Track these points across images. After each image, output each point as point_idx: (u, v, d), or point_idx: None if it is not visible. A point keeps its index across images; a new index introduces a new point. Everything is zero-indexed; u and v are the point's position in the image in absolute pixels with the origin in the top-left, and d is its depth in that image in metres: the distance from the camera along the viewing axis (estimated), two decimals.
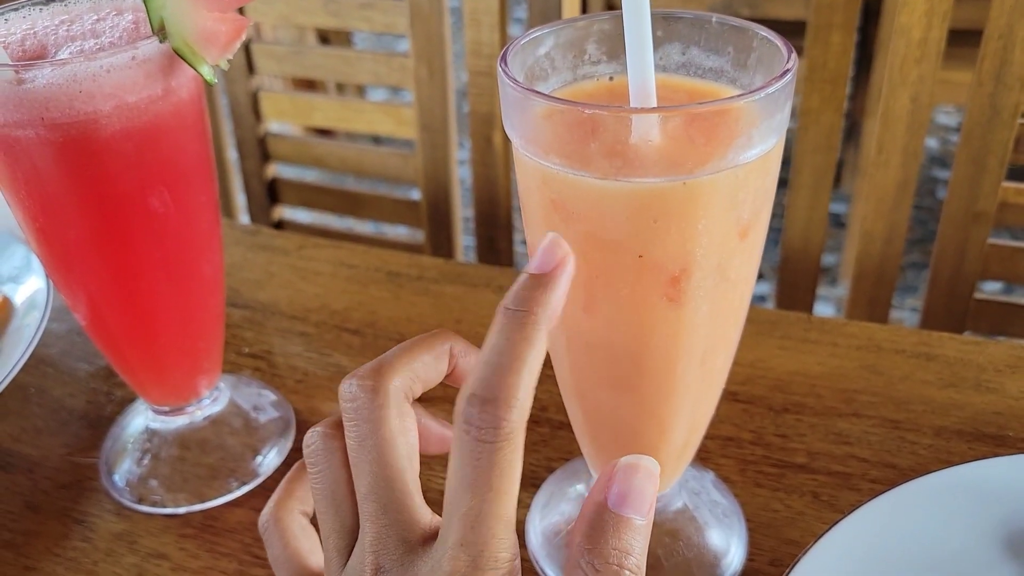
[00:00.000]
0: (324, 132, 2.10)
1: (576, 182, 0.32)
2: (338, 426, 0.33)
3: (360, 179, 1.82)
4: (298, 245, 0.72)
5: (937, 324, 0.86)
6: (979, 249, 0.82)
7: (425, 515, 0.30)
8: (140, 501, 0.49)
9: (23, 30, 0.42)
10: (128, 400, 0.57)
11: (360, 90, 2.34)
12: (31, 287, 0.61)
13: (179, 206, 0.43)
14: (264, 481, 0.51)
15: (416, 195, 1.05)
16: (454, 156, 1.03)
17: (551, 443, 0.53)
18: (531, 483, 0.50)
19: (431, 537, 0.29)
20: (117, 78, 0.38)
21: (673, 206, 0.31)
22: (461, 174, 1.50)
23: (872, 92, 1.70)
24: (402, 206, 1.09)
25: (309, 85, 2.22)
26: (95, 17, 0.43)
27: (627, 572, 0.27)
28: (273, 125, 1.10)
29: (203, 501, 0.49)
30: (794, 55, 0.32)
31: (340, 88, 2.21)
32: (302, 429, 0.54)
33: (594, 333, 0.36)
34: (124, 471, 0.51)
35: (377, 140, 1.98)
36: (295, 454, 0.53)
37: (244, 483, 0.50)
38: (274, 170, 1.12)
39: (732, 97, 0.30)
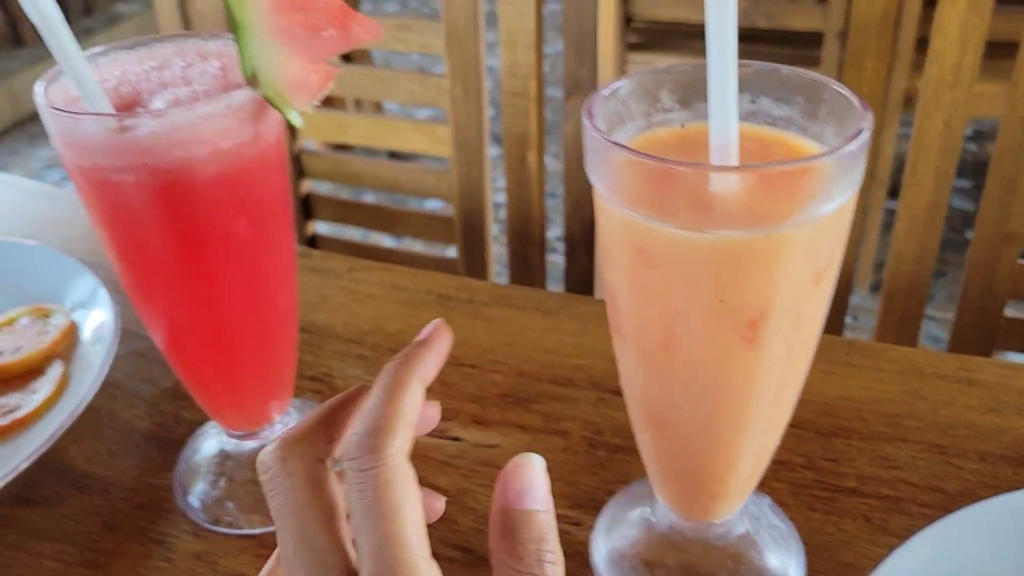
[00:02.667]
0: (344, 148, 2.12)
1: (660, 232, 0.34)
2: (292, 446, 0.32)
3: (390, 194, 1.83)
4: (348, 267, 0.74)
5: (966, 342, 0.87)
6: (1010, 269, 0.83)
7: (349, 562, 0.30)
8: (216, 522, 0.51)
9: (116, 76, 0.44)
10: (195, 422, 0.59)
11: (377, 107, 2.36)
12: (99, 315, 0.63)
13: (261, 241, 0.45)
14: None
15: (444, 210, 1.07)
16: (488, 174, 1.05)
17: (608, 466, 0.54)
18: (592, 505, 0.52)
19: None
20: (213, 125, 0.40)
21: (755, 256, 0.33)
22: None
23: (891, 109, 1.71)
24: (435, 222, 1.11)
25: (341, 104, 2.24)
26: (183, 63, 0.45)
27: (547, 555, 0.29)
28: (307, 143, 1.12)
29: (264, 526, 0.51)
30: (870, 112, 0.34)
31: (359, 104, 2.22)
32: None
33: (671, 370, 0.38)
34: (199, 492, 0.53)
35: (394, 155, 1.99)
36: None
37: None
38: (308, 186, 1.14)
39: (815, 156, 0.32)
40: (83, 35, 3.40)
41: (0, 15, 3.20)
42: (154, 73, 0.44)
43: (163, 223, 0.42)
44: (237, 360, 0.48)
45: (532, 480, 0.31)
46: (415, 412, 0.32)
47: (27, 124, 3.13)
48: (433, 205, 2.28)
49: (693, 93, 0.40)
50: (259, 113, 0.42)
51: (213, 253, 0.44)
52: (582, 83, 0.94)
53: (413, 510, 0.29)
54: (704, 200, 0.33)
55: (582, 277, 1.06)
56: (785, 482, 0.52)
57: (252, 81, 0.41)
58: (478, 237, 1.07)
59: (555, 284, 1.80)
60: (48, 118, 0.41)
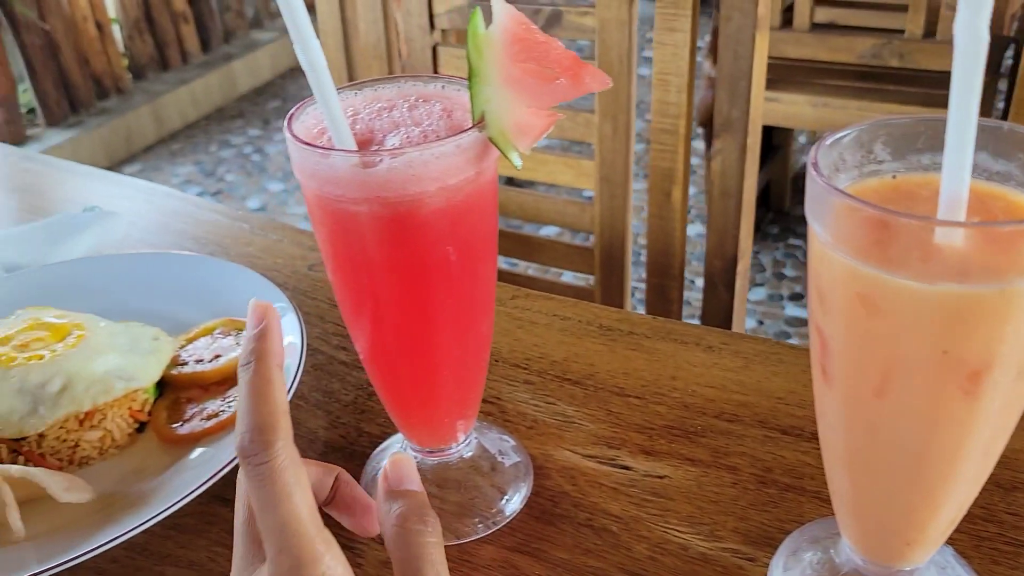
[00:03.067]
0: None
1: (888, 282, 0.35)
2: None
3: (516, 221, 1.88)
4: (511, 295, 0.77)
5: None
6: None
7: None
8: None
9: (348, 115, 0.48)
10: (376, 436, 0.62)
11: None
12: (286, 330, 0.67)
13: (471, 270, 0.48)
14: (510, 522, 0.55)
15: (584, 241, 1.10)
16: (630, 207, 1.07)
17: (780, 505, 0.55)
18: (764, 542, 0.53)
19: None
20: (443, 164, 0.43)
21: (984, 310, 0.34)
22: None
23: None
24: (575, 252, 1.14)
25: None
26: (407, 104, 0.49)
27: (429, 518, 0.37)
28: None
29: (458, 538, 0.54)
30: None
31: None
32: (538, 475, 0.58)
33: (882, 417, 0.38)
34: None
35: (510, 181, 2.04)
36: (535, 499, 0.57)
37: (493, 523, 0.55)
38: None
39: None
40: (223, 60, 3.60)
41: (150, 41, 3.42)
42: (384, 113, 0.48)
43: (389, 250, 0.45)
44: (437, 380, 0.51)
45: (407, 471, 0.39)
46: (285, 399, 0.36)
47: (169, 142, 3.33)
48: (549, 231, 2.31)
49: (906, 145, 0.41)
50: (483, 153, 0.45)
51: (429, 279, 0.47)
52: (733, 123, 0.95)
53: (305, 490, 0.34)
54: (935, 252, 0.34)
55: (720, 313, 1.07)
56: (966, 533, 0.52)
57: (480, 123, 0.44)
58: (617, 268, 1.09)
59: (689, 319, 1.81)
60: (295, 151, 0.45)
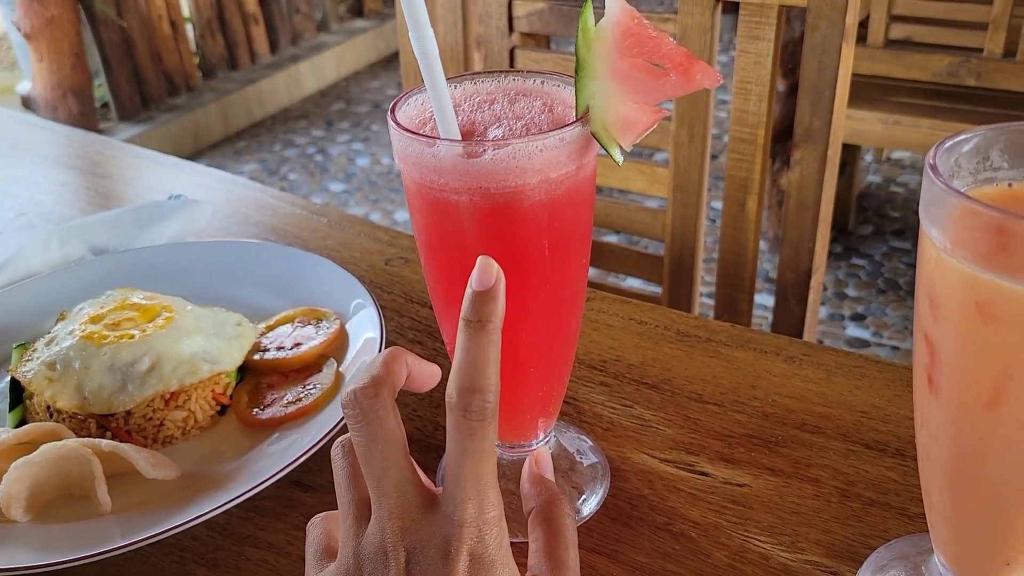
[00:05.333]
0: None
1: (1008, 290, 0.34)
2: (377, 392, 0.39)
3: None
4: (587, 297, 0.76)
5: None
6: None
7: (426, 487, 0.39)
8: None
9: None
10: None
11: None
12: (365, 322, 0.68)
13: (565, 264, 0.48)
14: (587, 521, 0.55)
15: (650, 249, 1.09)
16: (703, 216, 1.06)
17: (864, 520, 0.54)
18: (848, 556, 0.51)
19: (435, 501, 0.38)
20: (546, 156, 0.43)
21: None
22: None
23: None
24: (644, 259, 1.13)
25: None
26: (507, 98, 0.49)
27: (567, 503, 0.43)
28: None
29: None
30: None
31: None
32: (615, 476, 0.58)
33: (993, 431, 0.37)
34: None
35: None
36: (612, 500, 0.56)
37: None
38: None
39: None
40: (289, 61, 3.66)
41: (221, 40, 3.49)
42: (486, 106, 0.48)
43: (486, 240, 0.46)
44: (524, 375, 0.51)
45: (549, 464, 0.46)
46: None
47: (235, 140, 3.40)
48: (609, 237, 2.30)
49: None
50: (585, 148, 0.45)
51: (524, 271, 0.47)
52: (814, 134, 0.94)
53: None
54: None
55: (791, 326, 1.05)
56: None
57: (584, 117, 0.44)
58: (686, 277, 1.08)
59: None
60: (399, 140, 0.45)
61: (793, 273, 1.02)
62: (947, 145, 0.38)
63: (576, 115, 0.44)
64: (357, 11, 4.09)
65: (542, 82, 0.50)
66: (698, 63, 0.41)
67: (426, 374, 0.42)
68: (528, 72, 0.50)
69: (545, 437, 0.56)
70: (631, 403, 0.64)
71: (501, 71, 0.51)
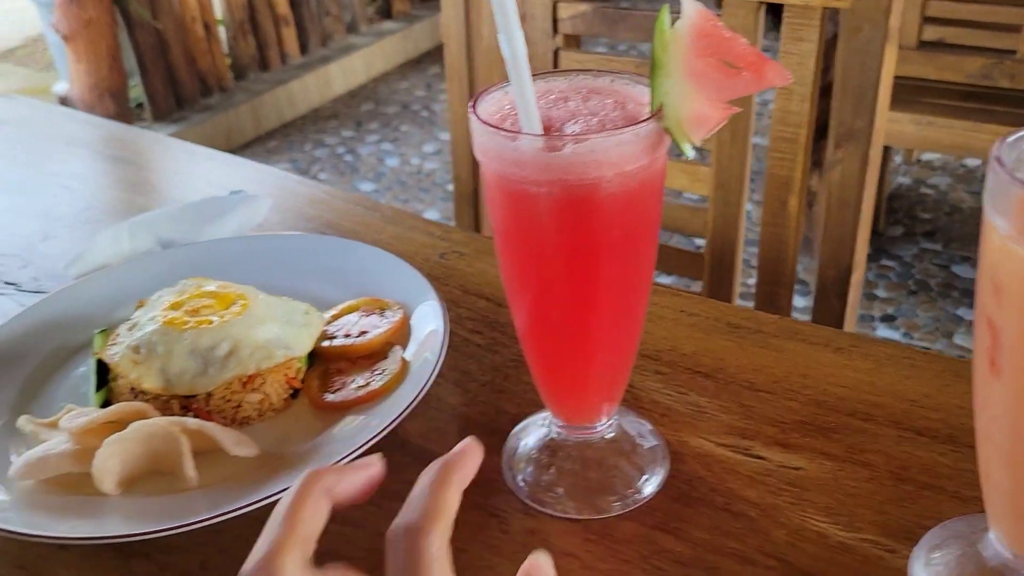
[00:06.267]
0: None
1: None
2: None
3: None
4: None
5: None
6: None
7: None
8: (544, 505, 0.57)
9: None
10: (515, 415, 0.65)
11: None
12: (427, 312, 0.71)
13: (636, 254, 0.51)
14: (649, 502, 0.57)
15: (683, 245, 1.11)
16: (743, 214, 1.08)
17: (918, 502, 0.56)
18: (903, 535, 0.54)
19: None
20: (622, 150, 0.46)
21: None
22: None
23: None
24: (684, 256, 1.15)
25: None
26: (580, 96, 0.51)
27: None
28: None
29: (599, 513, 0.56)
30: None
31: None
32: (675, 459, 0.60)
33: None
34: (529, 476, 0.59)
35: None
36: (672, 481, 0.59)
37: (633, 501, 0.57)
38: None
39: None
40: (319, 63, 3.71)
41: (252, 42, 3.54)
42: (561, 103, 0.50)
43: (563, 230, 0.48)
44: (591, 359, 0.54)
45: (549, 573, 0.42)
46: (455, 510, 0.40)
47: (266, 140, 3.45)
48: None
49: None
50: (658, 142, 0.47)
51: (598, 259, 0.49)
52: (856, 134, 0.96)
53: None
54: None
55: (831, 322, 1.07)
56: None
57: (658, 113, 0.46)
58: (727, 274, 1.10)
59: None
60: (481, 134, 0.48)
61: (834, 270, 1.04)
62: (1010, 140, 0.41)
63: (650, 111, 0.47)
64: (386, 13, 4.13)
65: (612, 80, 0.52)
66: (770, 62, 0.43)
67: (361, 481, 0.42)
68: (599, 72, 0.53)
69: (608, 420, 0.59)
70: (686, 391, 0.67)
71: (571, 71, 0.53)
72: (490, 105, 0.51)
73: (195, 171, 1.06)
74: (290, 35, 3.68)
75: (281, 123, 3.54)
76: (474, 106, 0.49)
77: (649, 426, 0.62)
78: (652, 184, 0.49)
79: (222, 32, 3.47)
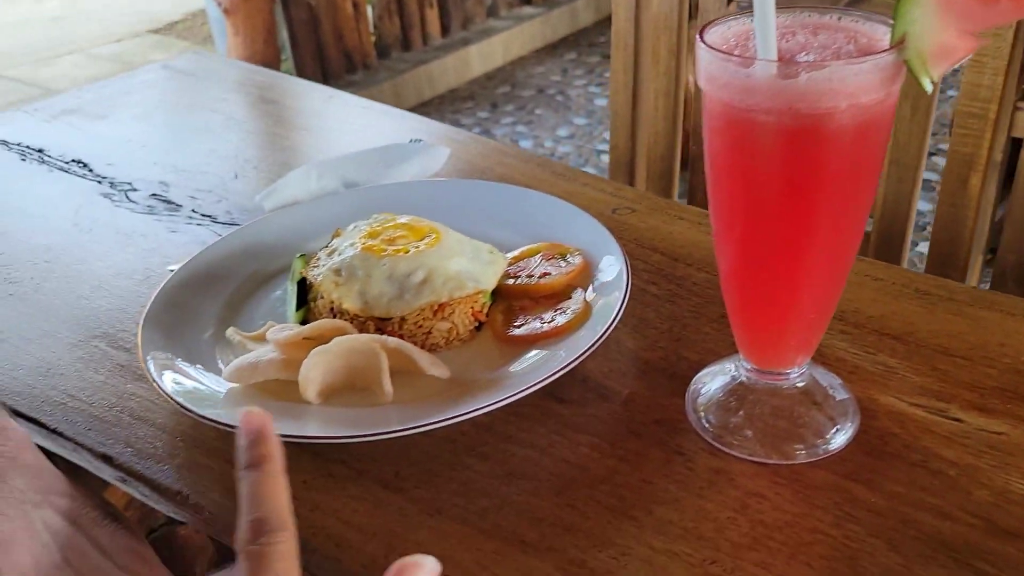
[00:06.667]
0: None
1: None
2: None
3: None
4: None
5: None
6: None
7: None
8: (730, 447, 0.57)
9: (740, 34, 0.51)
10: (695, 362, 0.65)
11: None
12: (608, 259, 0.72)
13: (855, 193, 0.50)
14: (840, 452, 0.56)
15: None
16: (918, 193, 1.04)
17: None
18: None
19: None
20: (859, 80, 0.45)
21: None
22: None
23: None
24: None
25: None
26: (807, 31, 0.51)
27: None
28: None
29: (788, 459, 0.56)
30: None
31: None
32: (865, 415, 0.59)
33: None
34: (716, 418, 0.59)
35: None
36: (863, 435, 0.58)
37: (823, 450, 0.56)
38: None
39: None
40: (460, 44, 3.78)
41: (397, 22, 3.64)
42: (789, 36, 0.50)
43: (787, 161, 0.48)
44: (796, 302, 0.53)
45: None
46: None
47: None
48: None
49: None
50: (895, 75, 0.46)
51: (816, 194, 0.49)
52: None
53: None
54: None
55: None
56: None
57: (898, 44, 0.46)
58: (894, 253, 1.06)
59: None
60: (710, 61, 0.48)
61: (1014, 255, 0.99)
62: None
63: (891, 43, 0.46)
64: None
65: (839, 18, 0.52)
66: None
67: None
68: (824, 8, 0.52)
69: (800, 370, 0.58)
70: (874, 351, 0.65)
71: (795, 7, 0.53)
72: (715, 36, 0.51)
73: (371, 125, 1.11)
74: (433, 17, 3.76)
75: (419, 102, 3.63)
76: (701, 33, 0.50)
77: (839, 380, 0.61)
78: (882, 120, 0.48)
79: (369, 11, 3.57)
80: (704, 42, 0.49)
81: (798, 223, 0.50)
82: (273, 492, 0.41)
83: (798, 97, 0.46)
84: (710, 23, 0.51)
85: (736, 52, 0.49)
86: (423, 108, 3.60)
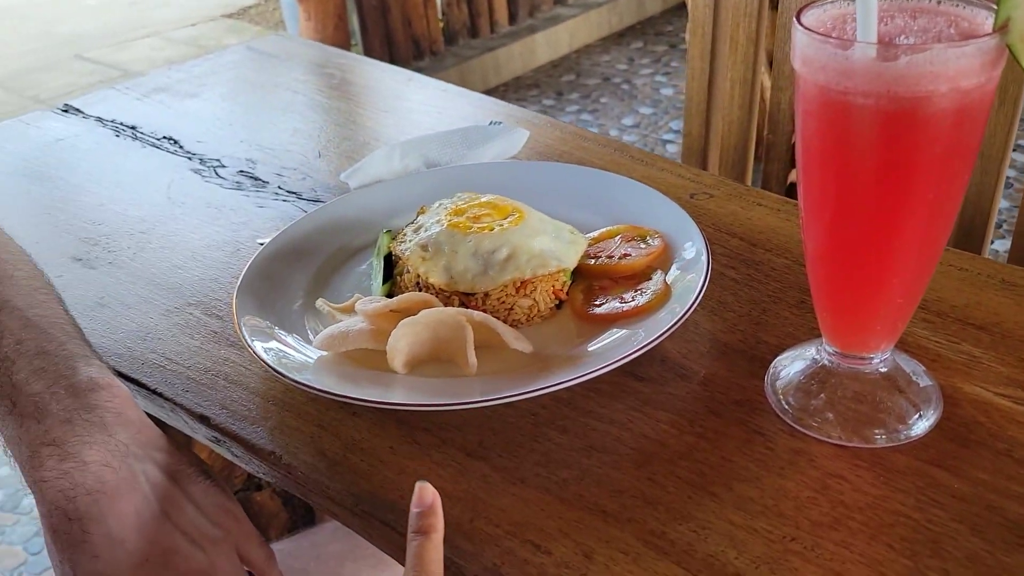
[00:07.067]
0: None
1: None
2: None
3: None
4: None
5: None
6: None
7: None
8: (811, 428, 0.57)
9: (850, 21, 0.51)
10: (775, 345, 0.65)
11: None
12: (688, 242, 0.72)
13: (950, 180, 0.50)
14: (923, 437, 0.56)
15: None
16: (1002, 184, 1.02)
17: None
18: None
19: None
20: (960, 64, 0.45)
21: None
22: None
23: None
24: None
25: None
26: (906, 15, 0.51)
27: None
28: None
29: (868, 443, 0.56)
30: None
31: None
32: (948, 403, 0.59)
33: None
34: (797, 400, 0.59)
35: None
36: (946, 422, 0.58)
37: (905, 436, 0.56)
38: None
39: None
40: (526, 32, 3.78)
41: (465, 10, 3.66)
42: (888, 19, 0.50)
43: (882, 145, 0.48)
44: (885, 287, 0.54)
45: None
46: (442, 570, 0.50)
47: None
48: None
49: None
50: (996, 60, 0.46)
51: (911, 178, 0.49)
52: None
53: None
54: None
55: None
56: None
57: (1002, 28, 0.45)
58: (975, 248, 1.05)
59: None
60: (807, 44, 0.48)
61: None
62: None
63: (994, 27, 0.46)
64: None
65: (938, 2, 0.51)
66: None
67: None
68: None
69: (883, 355, 0.58)
70: (958, 340, 0.65)
71: None
72: (812, 20, 0.51)
73: (449, 107, 1.12)
74: (501, 4, 3.77)
75: (485, 88, 3.65)
76: (799, 15, 0.50)
77: (922, 367, 0.61)
78: (980, 105, 0.48)
79: None
80: (801, 24, 0.49)
81: (892, 208, 0.50)
82: (435, 557, 0.49)
83: (897, 80, 0.46)
84: (807, 6, 0.52)
85: (834, 35, 0.50)
86: (489, 95, 3.62)
